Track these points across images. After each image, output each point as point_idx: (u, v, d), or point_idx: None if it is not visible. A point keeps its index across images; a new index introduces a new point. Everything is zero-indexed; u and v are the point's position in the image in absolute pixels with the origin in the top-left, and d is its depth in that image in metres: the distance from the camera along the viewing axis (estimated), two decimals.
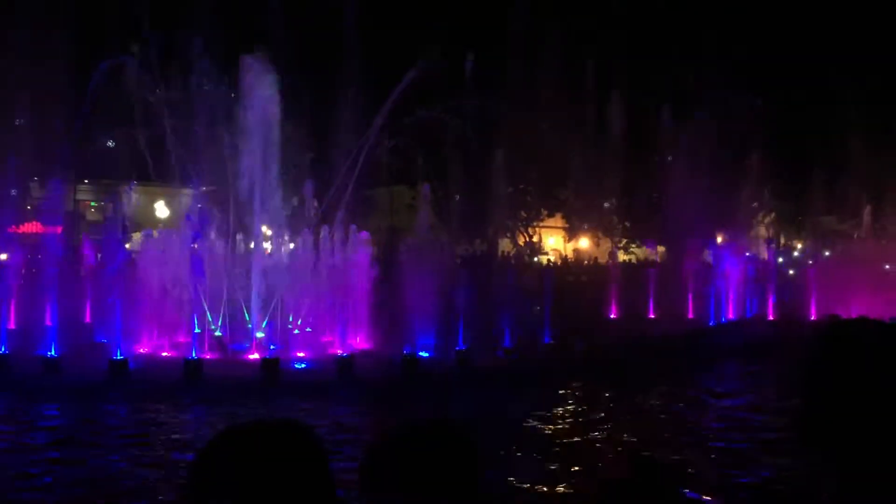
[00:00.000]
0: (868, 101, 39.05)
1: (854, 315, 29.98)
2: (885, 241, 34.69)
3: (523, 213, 43.26)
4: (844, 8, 45.72)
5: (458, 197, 33.66)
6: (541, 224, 45.78)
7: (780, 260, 43.43)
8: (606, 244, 43.60)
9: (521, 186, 41.88)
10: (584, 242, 47.48)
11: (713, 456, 11.57)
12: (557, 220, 47.16)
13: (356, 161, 28.60)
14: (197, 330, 19.48)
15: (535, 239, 44.22)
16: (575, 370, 19.14)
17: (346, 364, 18.13)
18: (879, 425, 1.62)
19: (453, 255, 30.99)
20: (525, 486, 9.38)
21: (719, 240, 44.55)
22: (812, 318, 29.30)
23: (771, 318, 30.62)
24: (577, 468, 10.51)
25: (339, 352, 19.42)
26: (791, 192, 39.25)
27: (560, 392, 16.94)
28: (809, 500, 7.62)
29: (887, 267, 34.86)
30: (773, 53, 43.73)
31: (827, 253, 37.21)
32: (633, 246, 45.83)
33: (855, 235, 37.25)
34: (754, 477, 9.99)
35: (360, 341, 22.00)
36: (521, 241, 43.04)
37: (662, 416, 14.69)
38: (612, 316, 31.25)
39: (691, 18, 42.31)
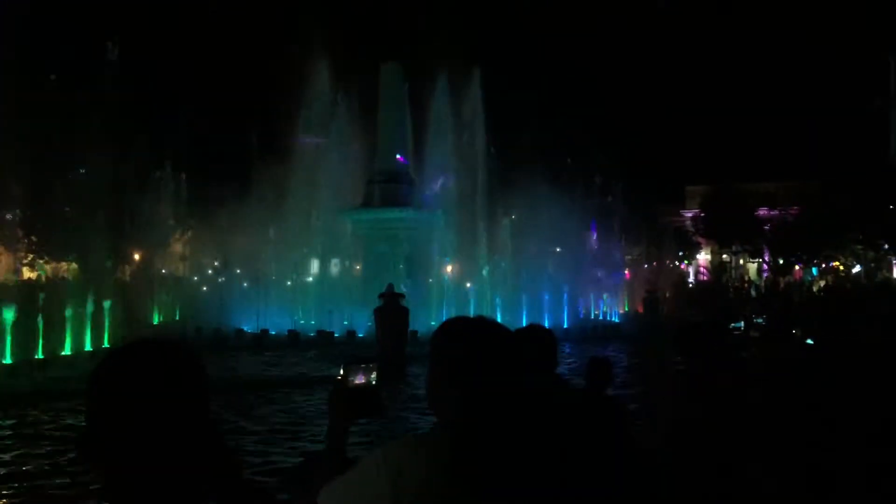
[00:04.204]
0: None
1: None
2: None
3: None
4: None
5: None
6: None
7: (196, 278, 44.54)
8: (9, 259, 39.57)
9: None
10: None
11: None
12: None
13: None
14: None
15: None
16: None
17: None
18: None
19: None
20: None
21: (137, 256, 43.98)
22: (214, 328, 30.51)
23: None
24: None
25: None
26: (205, 210, 40.49)
27: None
28: None
29: (289, 283, 38.37)
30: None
31: (238, 270, 39.34)
32: (42, 262, 42.35)
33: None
34: None
35: None
36: None
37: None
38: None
39: None
